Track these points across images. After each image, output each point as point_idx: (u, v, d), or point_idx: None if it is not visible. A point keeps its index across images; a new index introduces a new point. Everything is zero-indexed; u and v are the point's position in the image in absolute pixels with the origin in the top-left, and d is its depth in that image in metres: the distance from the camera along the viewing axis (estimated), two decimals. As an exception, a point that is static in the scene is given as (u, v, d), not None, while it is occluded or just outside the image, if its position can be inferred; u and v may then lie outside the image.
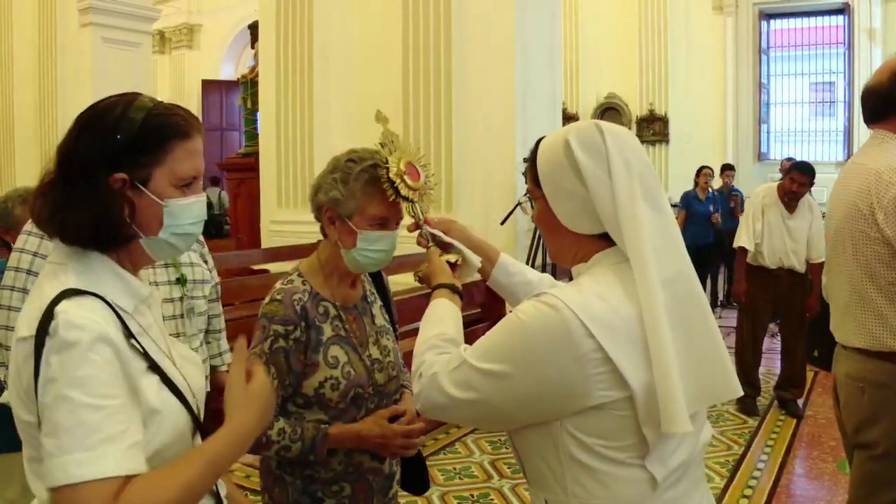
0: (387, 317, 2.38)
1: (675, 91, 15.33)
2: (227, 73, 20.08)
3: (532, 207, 1.71)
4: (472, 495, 4.58)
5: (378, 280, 2.42)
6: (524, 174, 1.72)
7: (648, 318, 1.43)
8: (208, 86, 18.95)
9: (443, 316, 1.79)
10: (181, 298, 2.75)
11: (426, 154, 8.54)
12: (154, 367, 1.43)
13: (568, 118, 15.14)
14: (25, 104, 12.31)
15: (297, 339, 2.08)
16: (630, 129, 15.48)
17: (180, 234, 1.52)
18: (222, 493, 1.64)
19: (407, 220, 2.16)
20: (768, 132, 16.01)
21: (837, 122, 15.58)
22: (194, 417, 1.51)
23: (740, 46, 15.52)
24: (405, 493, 2.47)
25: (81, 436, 1.27)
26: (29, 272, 2.60)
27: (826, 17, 15.58)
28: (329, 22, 9.51)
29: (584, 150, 1.54)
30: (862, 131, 14.25)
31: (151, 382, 1.41)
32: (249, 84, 11.72)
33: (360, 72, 9.42)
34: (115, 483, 1.26)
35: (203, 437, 1.52)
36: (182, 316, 2.75)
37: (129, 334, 1.40)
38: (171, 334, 2.56)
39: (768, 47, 15.89)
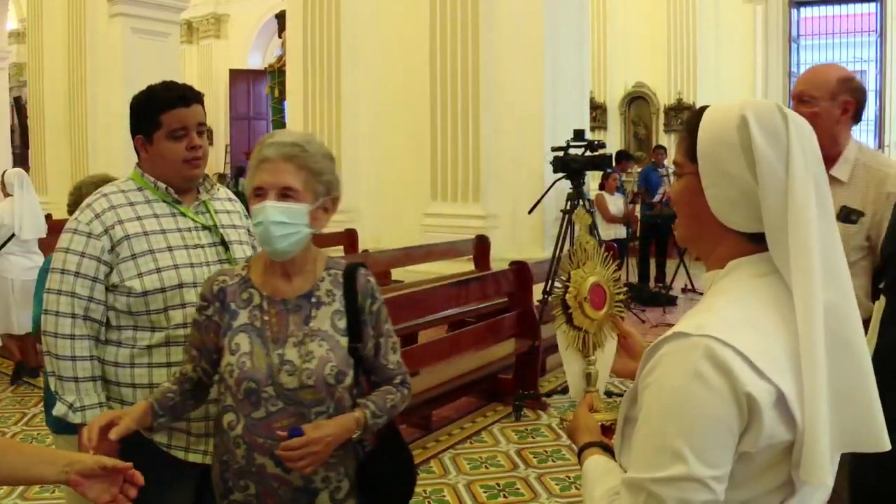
0: (342, 325, 2.15)
1: (703, 80, 15.20)
2: (255, 62, 20.14)
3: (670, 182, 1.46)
4: (498, 484, 4.58)
5: (350, 285, 2.20)
6: (681, 144, 1.40)
7: (806, 350, 1.22)
8: (236, 75, 19.04)
9: (605, 471, 1.46)
10: None
11: (453, 143, 8.61)
12: None
13: (596, 107, 15.08)
14: (56, 95, 12.43)
15: (209, 318, 2.12)
16: (658, 117, 15.62)
17: None
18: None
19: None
20: (798, 121, 15.83)
21: (868, 111, 15.29)
22: None
23: (770, 34, 15.34)
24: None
25: None
26: (77, 274, 2.33)
27: (858, 5, 15.38)
28: (356, 11, 9.52)
29: (764, 133, 1.29)
30: (893, 121, 14.09)
31: None
32: (277, 73, 11.79)
33: (387, 60, 9.42)
34: None
35: None
36: None
37: None
38: None
39: (799, 35, 15.70)
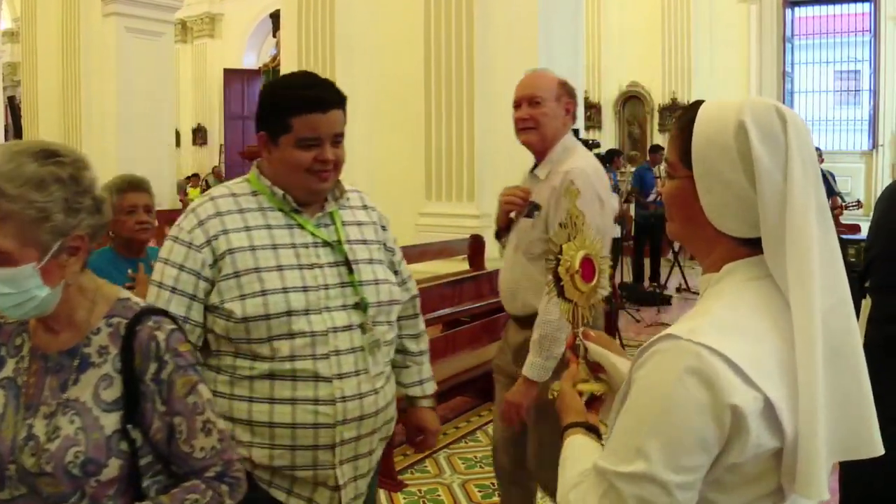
0: (108, 396, 1.58)
1: (698, 79, 15.22)
2: (249, 62, 20.14)
3: (662, 183, 1.41)
4: (492, 484, 4.58)
5: (129, 341, 1.60)
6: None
7: (803, 363, 1.19)
8: (230, 75, 19.01)
9: (581, 453, 1.41)
10: (361, 326, 2.12)
11: (448, 142, 8.60)
12: None
13: (590, 107, 15.09)
14: (49, 94, 12.41)
15: None
16: (652, 117, 15.64)
17: None
18: None
19: None
20: (792, 121, 15.84)
21: (862, 111, 15.41)
22: None
23: (764, 34, 15.36)
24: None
25: None
26: (174, 290, 2.03)
27: (852, 5, 15.40)
28: (351, 10, 9.51)
29: (762, 139, 1.24)
30: (887, 120, 14.12)
31: None
32: (271, 73, 11.74)
33: (382, 61, 9.41)
34: None
35: None
36: (363, 349, 2.11)
37: None
38: (352, 372, 2.07)
39: (793, 35, 15.73)
